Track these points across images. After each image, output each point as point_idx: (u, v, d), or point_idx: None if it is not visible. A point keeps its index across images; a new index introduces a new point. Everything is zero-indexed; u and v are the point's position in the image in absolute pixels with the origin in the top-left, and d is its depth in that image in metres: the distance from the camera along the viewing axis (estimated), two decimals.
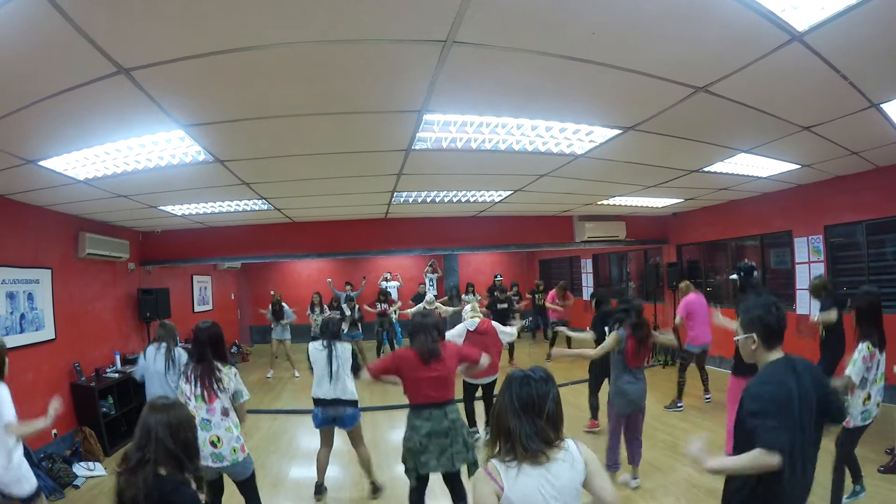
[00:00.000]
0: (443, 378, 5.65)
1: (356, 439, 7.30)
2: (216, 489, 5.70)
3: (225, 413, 5.42)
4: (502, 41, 4.03)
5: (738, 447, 3.35)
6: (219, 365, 5.52)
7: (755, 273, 8.14)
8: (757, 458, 3.14)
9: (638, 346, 6.93)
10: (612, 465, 7.09)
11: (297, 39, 3.82)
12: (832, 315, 8.25)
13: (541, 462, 2.87)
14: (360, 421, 7.31)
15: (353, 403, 7.14)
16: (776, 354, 3.45)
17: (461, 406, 6.59)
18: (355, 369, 7.16)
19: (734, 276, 8.50)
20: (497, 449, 3.01)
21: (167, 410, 3.30)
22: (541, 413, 2.93)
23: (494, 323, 8.56)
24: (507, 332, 8.67)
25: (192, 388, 5.42)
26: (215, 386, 5.40)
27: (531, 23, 3.76)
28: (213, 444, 5.31)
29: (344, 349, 7.22)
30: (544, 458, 2.88)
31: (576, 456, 2.98)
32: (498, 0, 3.41)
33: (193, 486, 3.29)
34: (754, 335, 3.46)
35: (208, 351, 5.55)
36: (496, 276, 20.25)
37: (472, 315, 8.54)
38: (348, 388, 7.11)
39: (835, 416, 3.55)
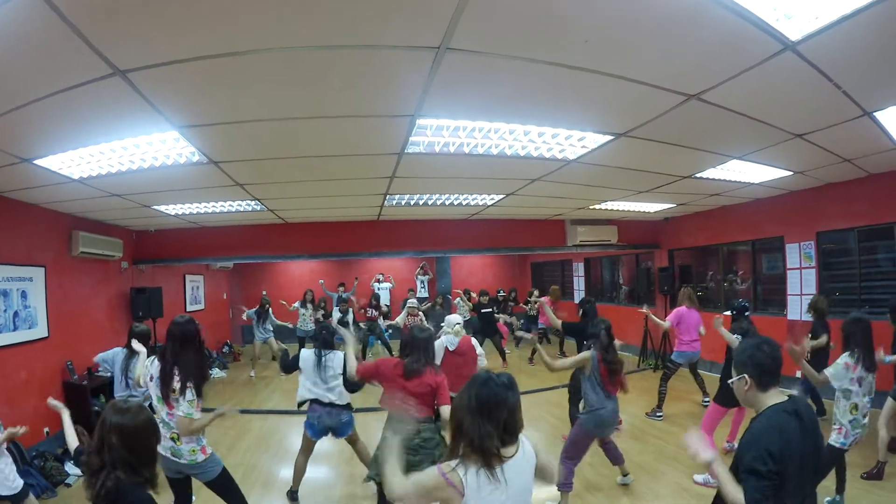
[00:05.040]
0: (418, 395, 5.58)
1: (353, 439, 7.36)
2: (180, 488, 5.55)
3: None
4: (495, 48, 4.07)
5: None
6: (177, 375, 5.23)
7: (747, 313, 8.39)
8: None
9: (610, 373, 6.83)
10: (565, 485, 6.76)
11: (293, 44, 3.86)
12: (822, 341, 8.77)
13: (495, 463, 2.90)
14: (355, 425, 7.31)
15: (348, 407, 7.16)
16: (774, 397, 3.32)
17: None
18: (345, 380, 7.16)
19: (727, 312, 8.68)
20: (457, 450, 3.03)
21: (124, 415, 3.32)
22: (494, 417, 2.97)
23: (473, 340, 8.21)
24: (481, 357, 8.28)
25: (155, 388, 5.31)
26: (170, 395, 5.20)
27: (524, 30, 3.80)
28: (172, 439, 5.20)
29: (335, 359, 7.18)
30: (498, 459, 2.92)
31: (528, 452, 3.10)
32: (491, 8, 3.44)
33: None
34: (746, 376, 3.36)
35: (179, 351, 5.32)
36: (464, 291, 20.09)
37: (453, 331, 8.10)
38: (343, 394, 7.11)
39: (821, 473, 3.57)
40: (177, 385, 5.18)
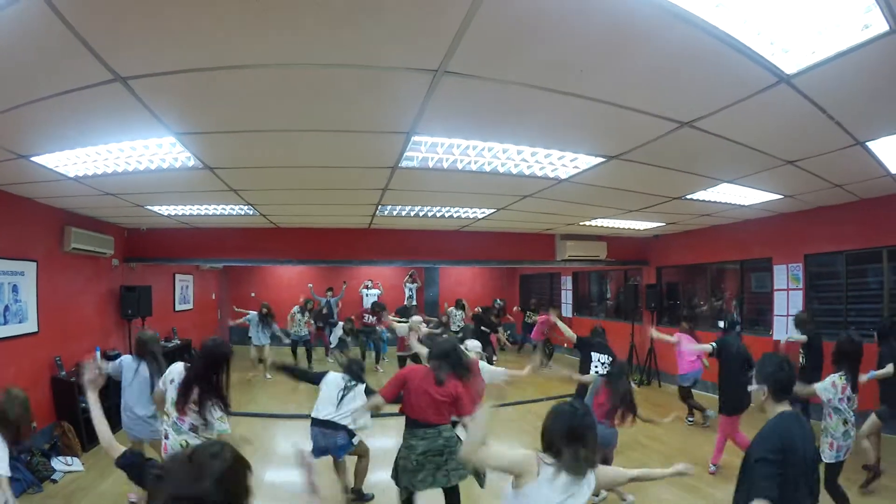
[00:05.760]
0: (443, 404, 5.76)
1: (360, 454, 7.41)
2: None
3: (193, 429, 5.34)
4: (493, 73, 4.16)
5: (742, 482, 3.75)
6: (195, 398, 5.36)
7: (738, 327, 8.83)
8: None
9: (610, 405, 7.13)
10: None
11: (293, 61, 3.94)
12: (801, 336, 9.13)
13: (579, 476, 3.45)
14: (359, 440, 7.32)
15: (346, 431, 7.07)
16: (782, 407, 3.82)
17: None
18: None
19: (721, 324, 9.15)
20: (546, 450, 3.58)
21: (216, 459, 2.77)
22: (584, 442, 3.51)
23: (482, 364, 8.15)
24: (490, 372, 8.04)
25: (173, 391, 5.44)
26: (187, 407, 5.31)
27: (522, 58, 3.89)
28: (181, 446, 5.23)
29: (359, 391, 7.19)
30: (581, 476, 3.46)
31: (591, 478, 3.57)
32: (490, 35, 3.53)
33: None
34: (765, 388, 3.87)
35: (204, 371, 5.47)
36: (458, 301, 19.99)
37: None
38: (347, 416, 7.05)
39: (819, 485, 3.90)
40: (195, 400, 5.27)
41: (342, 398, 7.08)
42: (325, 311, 18.28)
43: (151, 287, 13.59)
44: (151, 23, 3.35)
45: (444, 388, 5.77)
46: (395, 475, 5.92)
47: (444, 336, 6.54)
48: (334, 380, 7.25)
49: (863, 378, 6.80)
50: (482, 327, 16.31)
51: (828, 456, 6.21)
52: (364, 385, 7.33)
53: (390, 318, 16.44)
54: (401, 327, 14.42)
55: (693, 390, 11.49)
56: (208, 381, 5.40)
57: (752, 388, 4.00)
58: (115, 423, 9.65)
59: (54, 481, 7.89)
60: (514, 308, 20.50)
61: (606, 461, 7.21)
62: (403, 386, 5.81)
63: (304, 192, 8.64)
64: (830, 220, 10.50)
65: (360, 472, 7.40)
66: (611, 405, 7.08)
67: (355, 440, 7.22)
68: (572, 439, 3.48)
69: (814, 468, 3.76)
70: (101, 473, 8.16)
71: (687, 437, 10.21)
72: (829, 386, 6.29)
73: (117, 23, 3.35)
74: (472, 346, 8.44)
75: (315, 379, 7.38)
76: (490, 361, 15.93)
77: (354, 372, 7.39)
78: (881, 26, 3.47)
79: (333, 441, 7.02)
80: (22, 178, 7.46)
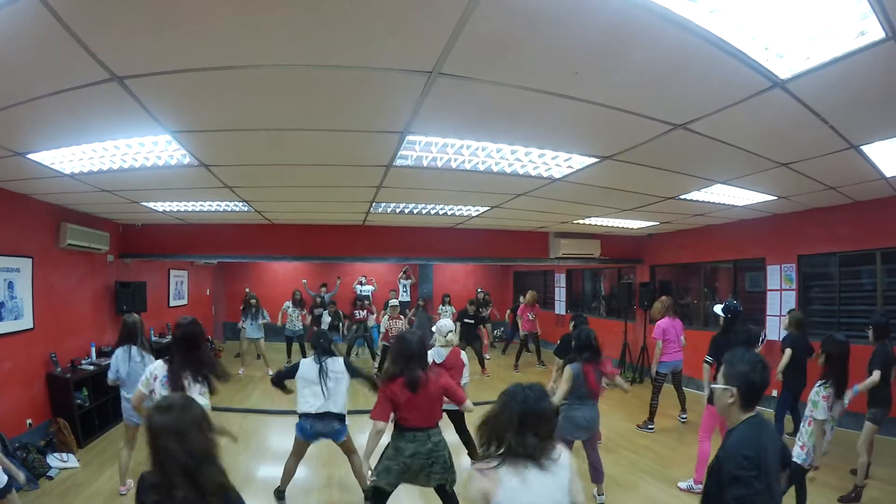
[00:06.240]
0: (427, 406, 5.70)
1: (348, 449, 7.34)
2: None
3: None
4: (487, 75, 4.18)
5: (709, 497, 3.30)
6: (189, 378, 5.49)
7: (740, 315, 8.53)
8: None
9: (599, 374, 7.05)
10: None
11: (288, 62, 3.96)
12: (784, 361, 8.94)
13: (542, 467, 3.26)
14: (349, 432, 7.29)
15: (341, 418, 7.13)
16: (749, 413, 3.32)
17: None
18: (356, 374, 7.23)
19: (720, 312, 8.69)
20: (490, 452, 3.39)
21: (167, 413, 2.85)
22: (539, 429, 3.32)
23: (462, 353, 8.25)
24: (465, 367, 8.16)
25: (161, 388, 5.49)
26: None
27: (516, 60, 3.91)
28: None
29: (335, 363, 7.16)
30: (541, 464, 3.27)
31: (564, 460, 3.43)
32: (485, 38, 3.55)
33: None
34: (734, 390, 3.30)
35: (184, 351, 5.57)
36: (444, 296, 19.94)
37: (442, 343, 8.14)
38: (339, 402, 7.08)
39: (787, 463, 3.69)
40: (187, 383, 5.34)
41: (325, 384, 7.05)
42: (318, 300, 18.30)
43: (146, 283, 13.64)
44: (148, 23, 3.37)
45: (427, 388, 5.70)
46: (376, 473, 5.81)
47: (412, 331, 6.42)
48: (309, 369, 7.16)
49: (849, 395, 6.79)
50: (465, 320, 16.28)
51: (796, 455, 6.24)
52: (340, 359, 7.31)
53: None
54: (382, 322, 14.55)
55: (686, 389, 11.51)
56: (193, 357, 5.48)
57: (717, 386, 3.41)
58: (113, 415, 9.76)
59: (50, 478, 7.89)
60: (507, 311, 20.35)
61: (595, 438, 7.33)
62: (390, 405, 5.66)
63: (298, 189, 8.66)
64: (824, 222, 10.55)
65: (359, 472, 7.27)
66: (600, 373, 7.08)
67: (347, 422, 7.25)
68: (524, 427, 3.28)
69: (781, 471, 3.45)
70: (96, 470, 8.22)
71: (680, 436, 10.24)
72: (823, 403, 6.28)
73: (114, 23, 3.36)
74: (444, 326, 8.29)
75: (291, 372, 7.28)
76: (480, 358, 16.07)
77: (322, 346, 7.31)
78: (877, 33, 3.47)
79: (331, 426, 7.08)
80: (18, 174, 7.47)
